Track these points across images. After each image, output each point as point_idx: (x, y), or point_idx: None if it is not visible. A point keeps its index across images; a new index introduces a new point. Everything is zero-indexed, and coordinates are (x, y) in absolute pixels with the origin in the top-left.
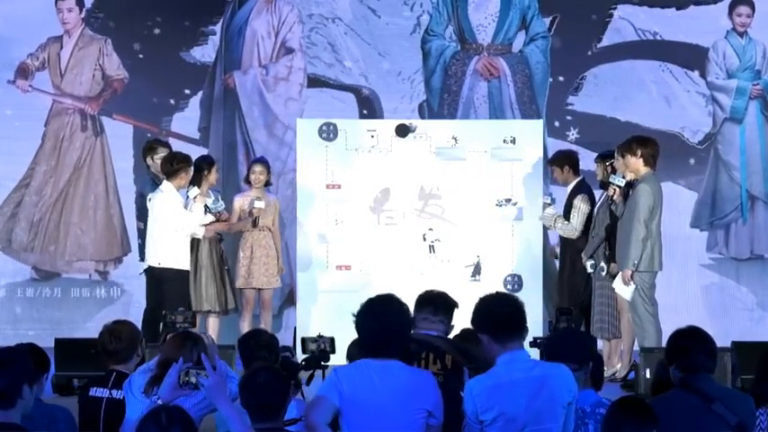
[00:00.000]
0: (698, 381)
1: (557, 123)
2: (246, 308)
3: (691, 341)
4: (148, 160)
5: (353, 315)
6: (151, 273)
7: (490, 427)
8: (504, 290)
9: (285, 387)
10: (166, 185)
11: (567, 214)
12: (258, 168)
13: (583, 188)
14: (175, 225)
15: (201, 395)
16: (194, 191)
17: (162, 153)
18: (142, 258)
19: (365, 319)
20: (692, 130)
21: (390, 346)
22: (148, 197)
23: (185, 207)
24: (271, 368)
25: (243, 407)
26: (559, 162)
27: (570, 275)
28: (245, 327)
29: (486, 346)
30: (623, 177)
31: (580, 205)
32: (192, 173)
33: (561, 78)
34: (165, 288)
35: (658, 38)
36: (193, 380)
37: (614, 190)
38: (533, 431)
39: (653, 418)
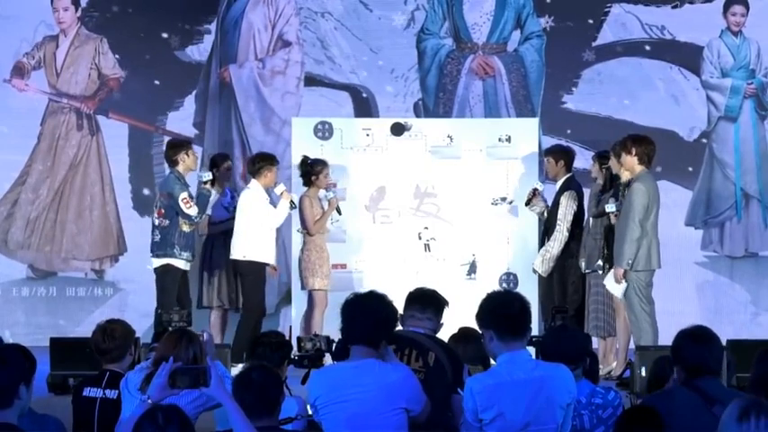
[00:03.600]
0: (702, 382)
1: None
2: (320, 306)
3: (697, 341)
4: (181, 158)
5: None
6: (235, 266)
7: (489, 426)
8: (499, 288)
9: (279, 384)
10: (253, 183)
11: (554, 211)
12: (327, 170)
13: (571, 185)
14: (262, 220)
15: (196, 393)
16: (280, 187)
17: (190, 150)
18: (156, 255)
19: (349, 310)
20: (700, 129)
21: (359, 338)
22: (182, 197)
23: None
24: (265, 366)
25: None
26: (555, 155)
27: (561, 276)
28: (318, 326)
29: (487, 342)
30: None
31: (565, 202)
32: (275, 170)
33: (558, 76)
34: (247, 281)
35: (666, 33)
36: (186, 384)
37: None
38: None
39: (662, 427)
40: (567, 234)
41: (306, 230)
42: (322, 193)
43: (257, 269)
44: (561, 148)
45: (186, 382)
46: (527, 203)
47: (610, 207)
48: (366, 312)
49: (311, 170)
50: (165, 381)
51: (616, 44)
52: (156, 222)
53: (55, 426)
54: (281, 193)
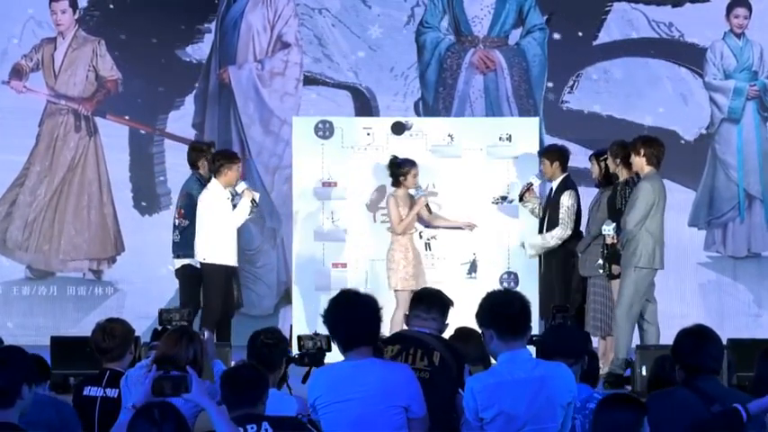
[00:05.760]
0: (701, 381)
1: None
2: (402, 307)
3: (696, 341)
4: (201, 163)
5: (321, 315)
6: (201, 269)
7: (489, 425)
8: (500, 287)
9: (264, 384)
10: (213, 183)
11: (552, 209)
12: (415, 171)
13: (569, 184)
14: (221, 221)
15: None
16: (242, 185)
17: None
18: (176, 255)
19: (331, 314)
20: (705, 130)
21: (359, 338)
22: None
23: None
24: (250, 364)
25: (222, 399)
26: (551, 156)
27: (563, 275)
28: (398, 326)
29: (487, 341)
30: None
31: (568, 202)
32: (237, 168)
33: (559, 75)
34: (206, 282)
35: (674, 30)
36: (169, 391)
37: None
38: (532, 430)
39: (642, 408)
40: (570, 233)
41: (392, 230)
42: (411, 191)
43: (216, 271)
44: (556, 148)
45: (168, 389)
46: (520, 198)
47: (607, 230)
48: (354, 319)
49: (399, 170)
50: (149, 388)
51: (621, 42)
52: (177, 223)
53: (71, 413)
54: (242, 192)
